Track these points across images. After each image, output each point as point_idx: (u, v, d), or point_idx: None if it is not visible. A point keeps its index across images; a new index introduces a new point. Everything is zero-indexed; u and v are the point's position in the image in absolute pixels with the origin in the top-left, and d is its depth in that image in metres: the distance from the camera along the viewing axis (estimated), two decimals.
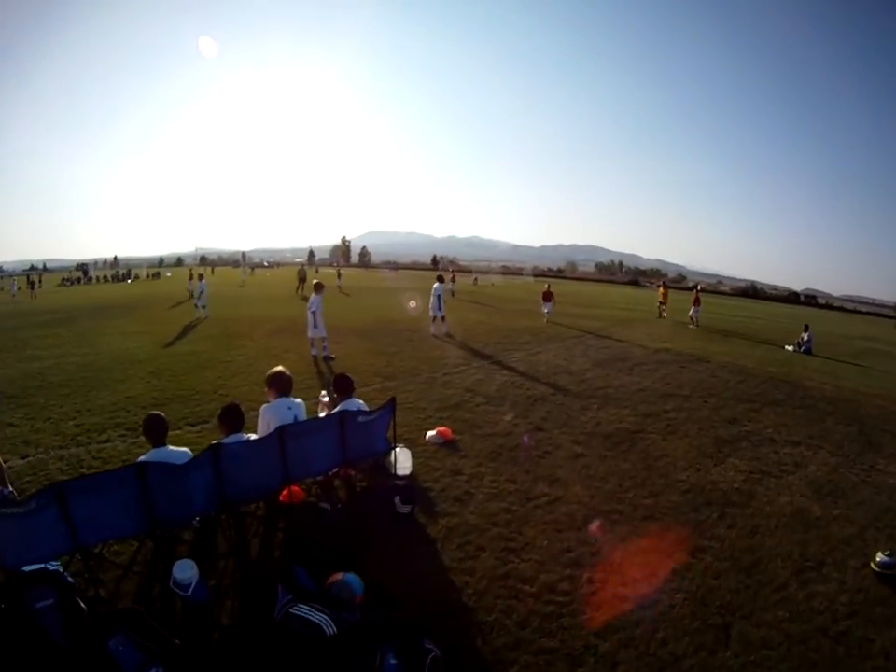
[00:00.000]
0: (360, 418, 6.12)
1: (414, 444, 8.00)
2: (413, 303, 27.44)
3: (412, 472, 6.98)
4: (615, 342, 20.11)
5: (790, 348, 22.97)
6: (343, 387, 6.85)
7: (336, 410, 6.55)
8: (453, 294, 40.25)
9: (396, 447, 6.81)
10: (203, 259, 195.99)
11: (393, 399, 6.55)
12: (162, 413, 5.37)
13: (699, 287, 33.37)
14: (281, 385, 6.25)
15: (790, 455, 8.71)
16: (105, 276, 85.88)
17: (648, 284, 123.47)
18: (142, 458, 4.88)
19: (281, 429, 5.35)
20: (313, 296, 14.67)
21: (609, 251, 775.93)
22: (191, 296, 23.90)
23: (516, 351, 16.57)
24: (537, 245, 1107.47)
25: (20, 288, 47.54)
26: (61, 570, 4.34)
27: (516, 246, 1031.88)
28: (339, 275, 49.97)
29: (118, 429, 8.55)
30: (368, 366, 13.41)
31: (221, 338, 17.47)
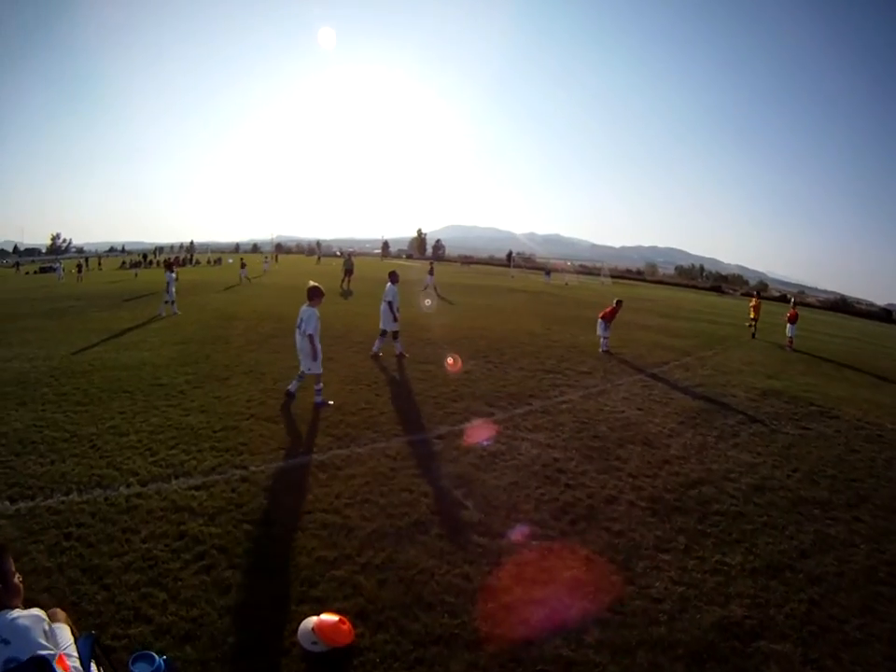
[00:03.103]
0: None
1: (267, 655, 3.71)
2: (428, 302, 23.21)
3: None
4: (707, 374, 14.82)
5: None
6: None
7: None
8: (436, 290, 33.56)
9: None
10: (279, 247, 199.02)
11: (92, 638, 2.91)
12: None
13: (794, 301, 27.99)
14: None
15: None
16: (165, 261, 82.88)
17: (731, 291, 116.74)
18: None
19: None
20: (305, 307, 9.17)
21: (689, 254, 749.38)
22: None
23: (569, 388, 11.49)
24: (617, 245, 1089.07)
25: (71, 271, 48.93)
26: None
27: (596, 246, 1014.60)
28: (431, 271, 36.80)
29: None
30: (330, 414, 8.81)
31: (188, 343, 13.72)
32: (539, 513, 5.99)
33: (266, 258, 61.87)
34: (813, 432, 10.46)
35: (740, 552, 5.64)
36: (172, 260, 26.49)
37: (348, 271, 34.11)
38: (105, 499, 5.64)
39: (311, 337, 8.91)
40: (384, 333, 13.26)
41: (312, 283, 9.30)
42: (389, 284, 13.35)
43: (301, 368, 9.26)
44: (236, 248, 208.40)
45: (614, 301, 17.17)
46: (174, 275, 20.12)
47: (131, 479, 6.13)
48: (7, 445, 6.89)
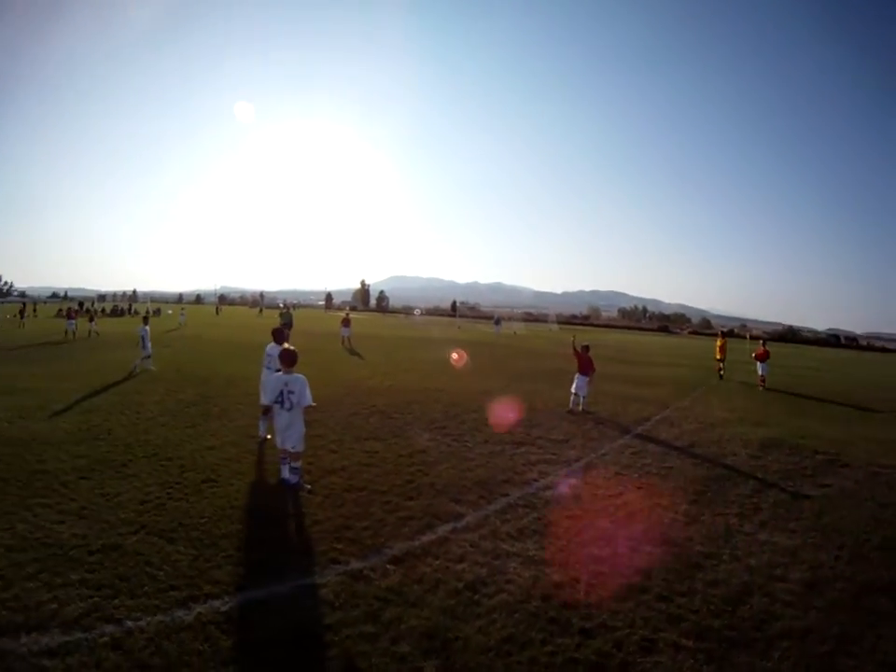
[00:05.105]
0: None
1: None
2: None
3: None
4: (694, 428, 13.59)
5: None
6: None
7: None
8: (350, 343, 32.07)
9: None
10: (222, 298, 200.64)
11: None
12: None
13: (764, 339, 27.24)
14: None
15: None
16: (103, 310, 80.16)
17: (678, 330, 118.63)
18: None
19: None
20: (289, 375, 7.69)
21: (629, 296, 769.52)
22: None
23: (547, 466, 9.69)
24: (559, 291, 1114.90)
25: (6, 317, 51.80)
26: None
27: (538, 292, 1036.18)
28: (346, 321, 33.99)
29: None
30: (239, 529, 6.57)
31: (93, 412, 11.82)
32: None
33: (182, 309, 59.56)
34: (834, 489, 9.47)
35: None
36: (147, 313, 25.11)
37: (286, 324, 32.14)
38: None
39: (305, 410, 7.88)
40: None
41: (287, 346, 8.19)
42: (271, 343, 10.22)
43: (285, 446, 7.77)
44: (179, 298, 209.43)
45: (580, 347, 15.36)
46: (148, 328, 19.11)
47: None
48: None
